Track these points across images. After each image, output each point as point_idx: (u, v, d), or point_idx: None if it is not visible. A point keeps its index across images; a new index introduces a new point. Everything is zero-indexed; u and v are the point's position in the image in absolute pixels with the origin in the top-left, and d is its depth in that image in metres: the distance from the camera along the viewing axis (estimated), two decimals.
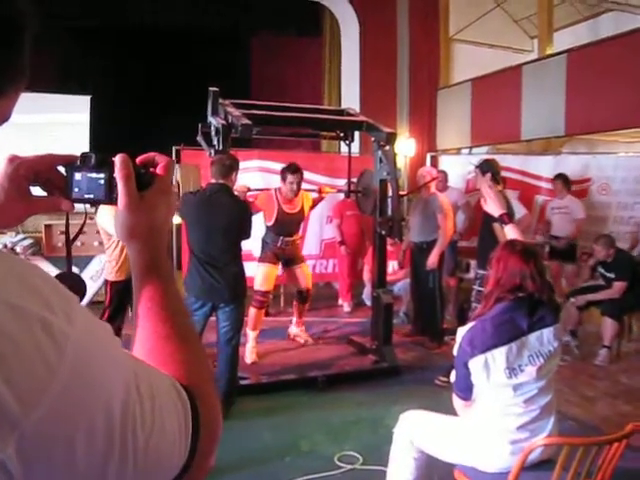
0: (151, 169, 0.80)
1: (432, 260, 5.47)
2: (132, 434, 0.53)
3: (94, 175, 0.79)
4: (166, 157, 0.81)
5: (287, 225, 5.10)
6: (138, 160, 0.80)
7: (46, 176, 0.78)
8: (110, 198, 0.79)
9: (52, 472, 0.48)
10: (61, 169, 0.79)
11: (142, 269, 0.76)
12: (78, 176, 0.79)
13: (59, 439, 0.48)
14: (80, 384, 0.49)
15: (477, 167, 4.99)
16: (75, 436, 0.48)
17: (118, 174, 0.76)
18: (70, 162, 0.79)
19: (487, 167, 4.90)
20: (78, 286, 0.80)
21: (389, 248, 5.59)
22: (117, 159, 0.76)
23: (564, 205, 6.58)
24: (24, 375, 0.46)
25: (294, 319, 5.66)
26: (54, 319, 0.48)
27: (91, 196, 0.79)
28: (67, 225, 0.86)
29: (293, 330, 5.63)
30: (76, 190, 0.79)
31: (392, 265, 6.50)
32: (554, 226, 6.65)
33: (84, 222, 0.85)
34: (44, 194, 0.80)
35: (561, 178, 6.64)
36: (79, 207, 0.83)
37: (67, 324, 0.49)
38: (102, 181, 0.79)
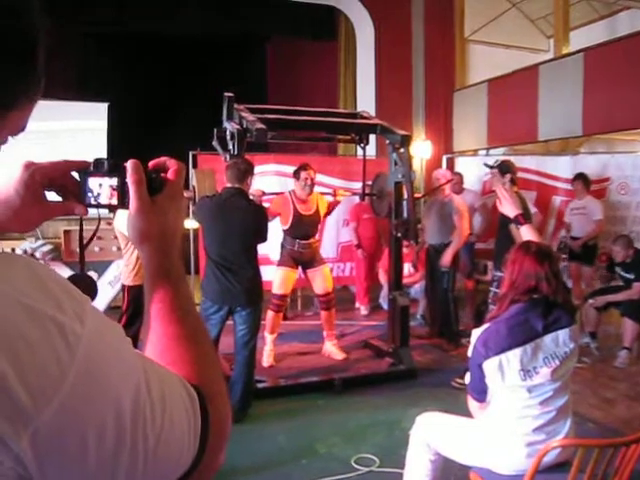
0: (162, 174, 0.82)
1: (446, 259, 5.44)
2: (142, 432, 0.54)
3: (107, 180, 0.81)
4: (177, 162, 0.83)
5: (303, 227, 5.07)
6: (150, 165, 0.82)
7: (61, 182, 0.80)
8: (122, 203, 0.81)
9: (65, 467, 0.50)
10: (75, 175, 0.81)
11: (153, 272, 0.77)
12: (91, 181, 0.81)
13: (71, 435, 0.49)
14: (91, 383, 0.51)
15: (496, 167, 4.94)
16: (86, 433, 0.50)
17: (130, 179, 0.77)
18: (83, 168, 0.81)
19: (506, 168, 4.87)
20: (90, 288, 0.82)
21: (404, 250, 5.57)
22: (129, 164, 0.78)
23: (582, 206, 6.50)
24: (38, 374, 0.48)
25: (324, 333, 5.41)
26: (66, 320, 0.50)
27: (104, 201, 0.81)
28: (81, 229, 0.88)
29: (327, 347, 5.36)
30: (89, 195, 0.81)
31: (408, 267, 6.48)
32: (573, 227, 6.58)
33: (97, 227, 0.88)
34: (59, 199, 0.82)
35: (581, 178, 6.54)
36: (94, 212, 0.85)
37: (79, 325, 0.51)
38: (114, 186, 0.81)
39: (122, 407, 0.53)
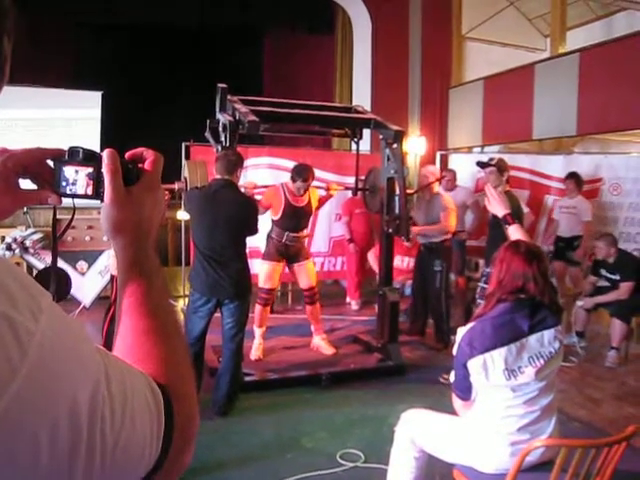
0: (139, 164, 0.80)
1: (415, 229, 5.28)
2: (100, 432, 0.52)
3: (82, 169, 0.79)
4: (154, 152, 0.81)
5: (295, 218, 5.00)
6: (127, 155, 0.80)
7: (35, 170, 0.78)
8: (97, 193, 0.79)
9: (15, 466, 0.48)
10: (50, 163, 0.80)
11: (127, 265, 0.76)
12: (66, 170, 0.80)
13: (21, 436, 0.47)
14: (43, 382, 0.49)
15: (494, 165, 4.91)
16: (38, 433, 0.48)
17: (105, 169, 0.76)
18: (58, 156, 0.79)
19: (504, 167, 4.87)
20: (62, 281, 0.81)
21: (408, 245, 5.55)
22: (104, 154, 0.77)
23: (572, 205, 6.49)
24: None
25: (312, 327, 5.34)
26: (18, 316, 0.48)
27: (79, 190, 0.80)
28: (54, 219, 0.86)
29: (316, 342, 5.31)
30: (64, 184, 0.80)
31: (408, 261, 6.44)
32: (561, 226, 6.58)
33: (72, 217, 0.86)
34: (35, 187, 0.80)
35: (574, 177, 6.52)
36: (80, 201, 0.83)
37: (32, 322, 0.49)
38: (89, 175, 0.79)
39: (78, 406, 0.51)
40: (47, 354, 0.49)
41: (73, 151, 0.79)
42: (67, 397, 0.50)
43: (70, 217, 0.85)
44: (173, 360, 0.70)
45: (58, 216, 0.87)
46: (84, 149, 0.79)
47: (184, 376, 0.70)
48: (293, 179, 4.87)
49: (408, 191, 5.13)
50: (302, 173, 4.82)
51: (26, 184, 0.80)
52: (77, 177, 0.79)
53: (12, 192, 0.77)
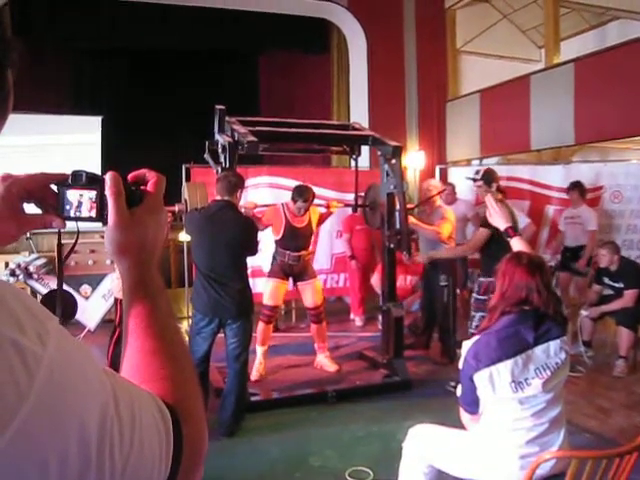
0: (142, 186, 0.81)
1: (411, 221, 5.07)
2: (109, 457, 0.51)
3: (85, 193, 0.80)
4: (157, 174, 0.82)
5: (295, 239, 5.02)
6: (129, 177, 0.80)
7: (39, 194, 0.79)
8: (101, 215, 0.80)
9: None
10: (54, 187, 0.80)
11: (131, 286, 0.76)
12: (69, 194, 0.80)
13: (30, 462, 0.47)
14: (52, 408, 0.48)
15: (481, 179, 4.90)
16: (47, 460, 0.47)
17: (108, 191, 0.76)
18: (62, 180, 0.80)
19: (491, 178, 4.83)
20: (68, 304, 0.81)
21: (407, 260, 5.53)
22: (107, 177, 0.77)
23: (577, 215, 6.48)
24: None
25: (315, 345, 5.33)
26: (26, 341, 0.48)
27: (82, 214, 0.80)
28: (59, 242, 0.86)
29: (319, 360, 5.29)
30: (67, 208, 0.80)
31: (410, 279, 6.43)
32: (567, 236, 6.58)
33: (76, 240, 0.86)
34: (39, 212, 0.81)
35: (577, 187, 6.51)
36: (82, 225, 0.84)
37: (40, 346, 0.49)
38: (93, 199, 0.80)
39: (87, 431, 0.50)
40: (55, 379, 0.49)
41: (76, 175, 0.80)
42: (76, 422, 0.49)
43: (74, 240, 0.85)
44: (180, 380, 0.70)
45: (61, 241, 0.86)
46: (87, 172, 0.80)
47: (192, 396, 0.69)
48: (294, 199, 4.90)
49: (408, 206, 5.13)
50: (303, 193, 4.86)
51: (30, 209, 0.80)
52: (81, 200, 0.80)
53: (17, 217, 0.77)
